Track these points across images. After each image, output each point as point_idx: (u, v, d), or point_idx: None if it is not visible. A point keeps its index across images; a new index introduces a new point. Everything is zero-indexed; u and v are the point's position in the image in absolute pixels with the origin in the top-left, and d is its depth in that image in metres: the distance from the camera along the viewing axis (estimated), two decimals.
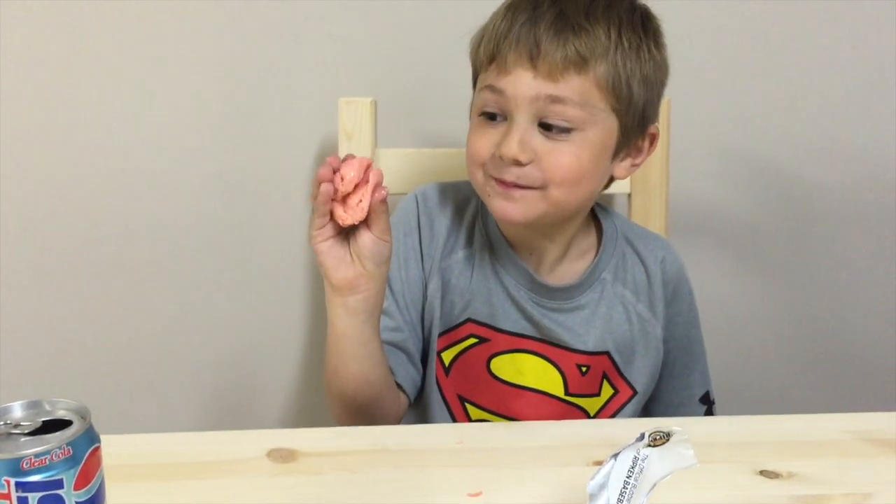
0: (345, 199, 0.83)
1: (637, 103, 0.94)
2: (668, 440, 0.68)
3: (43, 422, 0.58)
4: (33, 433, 0.57)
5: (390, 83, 1.28)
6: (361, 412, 0.94)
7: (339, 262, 0.86)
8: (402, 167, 1.19)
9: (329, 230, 0.85)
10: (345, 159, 0.84)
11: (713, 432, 0.85)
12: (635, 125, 0.95)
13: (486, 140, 0.93)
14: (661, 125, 1.17)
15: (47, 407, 0.60)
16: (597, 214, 1.05)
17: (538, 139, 0.91)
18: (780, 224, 1.38)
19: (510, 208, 0.93)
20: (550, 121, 0.91)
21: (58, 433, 0.57)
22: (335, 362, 0.93)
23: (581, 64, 0.90)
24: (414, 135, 1.29)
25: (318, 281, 1.34)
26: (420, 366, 1.03)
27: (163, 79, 1.27)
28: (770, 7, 1.30)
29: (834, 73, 1.33)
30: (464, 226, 1.04)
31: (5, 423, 0.58)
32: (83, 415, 0.59)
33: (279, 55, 1.27)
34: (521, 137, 0.90)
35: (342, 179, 0.83)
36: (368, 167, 0.84)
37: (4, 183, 1.27)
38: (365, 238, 0.85)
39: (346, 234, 0.86)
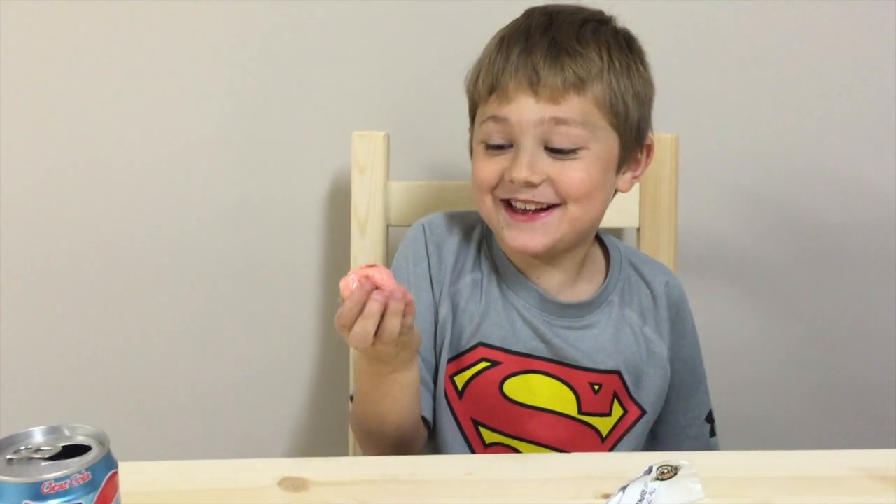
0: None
1: (632, 118, 0.98)
2: (675, 474, 0.69)
3: (63, 447, 0.60)
4: (53, 458, 0.59)
5: (402, 117, 1.30)
6: (398, 448, 0.97)
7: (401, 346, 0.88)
8: (412, 199, 1.21)
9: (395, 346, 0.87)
10: (353, 286, 0.85)
11: (719, 466, 0.85)
12: (633, 139, 0.99)
13: (494, 166, 0.96)
14: (671, 160, 1.19)
15: (67, 432, 0.61)
16: (603, 241, 1.07)
17: (546, 160, 0.94)
18: (788, 259, 1.38)
19: (529, 239, 0.96)
20: (557, 144, 0.94)
21: (77, 458, 0.58)
22: (394, 415, 0.95)
23: (579, 85, 0.94)
24: (424, 168, 1.31)
25: (329, 309, 1.36)
26: (433, 388, 1.04)
27: (176, 109, 1.29)
28: (781, 43, 1.31)
29: (845, 110, 1.34)
30: (471, 251, 1.05)
31: (26, 448, 0.59)
32: (102, 440, 0.60)
33: (295, 88, 1.29)
34: (530, 160, 0.93)
35: (382, 289, 0.85)
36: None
37: (19, 209, 1.30)
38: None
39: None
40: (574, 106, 0.94)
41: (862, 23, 1.31)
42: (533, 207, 0.96)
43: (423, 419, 1.01)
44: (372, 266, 0.87)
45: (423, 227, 1.06)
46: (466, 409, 1.03)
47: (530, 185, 0.93)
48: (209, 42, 1.27)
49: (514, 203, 0.96)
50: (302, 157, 1.31)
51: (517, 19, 1.00)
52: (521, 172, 0.93)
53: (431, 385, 1.03)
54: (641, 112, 0.99)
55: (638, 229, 1.21)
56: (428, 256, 1.04)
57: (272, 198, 1.32)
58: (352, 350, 1.20)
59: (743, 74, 1.32)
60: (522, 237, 0.96)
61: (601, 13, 1.01)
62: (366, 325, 0.84)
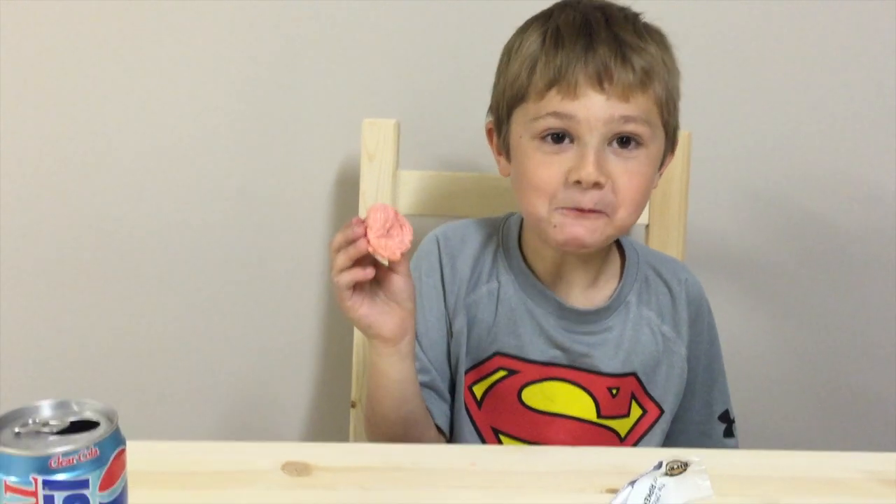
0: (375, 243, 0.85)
1: (676, 117, 0.98)
2: (685, 470, 0.69)
3: (71, 422, 0.59)
4: (61, 432, 0.58)
5: (413, 106, 1.29)
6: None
7: (383, 314, 0.88)
8: (422, 189, 1.20)
9: (360, 294, 0.87)
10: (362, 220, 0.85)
11: (727, 464, 0.84)
12: (672, 137, 0.99)
13: (555, 168, 0.92)
14: (682, 158, 1.18)
15: (75, 407, 0.60)
16: (619, 241, 1.06)
17: (611, 160, 0.92)
18: (796, 261, 1.38)
19: (582, 232, 0.93)
20: (623, 143, 0.92)
21: (86, 433, 0.58)
22: (387, 409, 0.94)
23: (646, 82, 0.92)
24: (435, 158, 1.30)
25: (333, 295, 1.35)
26: (449, 398, 1.04)
27: (187, 97, 1.28)
28: (794, 43, 1.31)
29: (861, 114, 1.33)
30: (486, 261, 1.04)
31: (34, 422, 0.59)
32: (110, 417, 0.60)
33: (305, 75, 1.29)
34: (597, 159, 0.91)
35: (369, 228, 0.84)
36: (389, 209, 0.85)
37: (34, 197, 1.30)
38: (397, 280, 0.87)
39: (371, 290, 0.87)
40: (640, 104, 0.92)
41: (878, 25, 1.30)
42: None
43: (440, 430, 1.01)
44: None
45: (437, 239, 1.05)
46: (486, 419, 1.02)
47: (598, 185, 0.91)
48: (219, 29, 1.27)
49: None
50: (312, 143, 1.31)
51: (551, 12, 0.97)
52: (591, 174, 0.90)
53: (447, 395, 1.03)
54: (678, 109, 0.99)
55: (647, 226, 1.21)
56: (441, 268, 1.03)
57: (281, 184, 1.32)
58: (356, 340, 1.20)
59: (757, 73, 1.32)
60: (576, 229, 0.93)
61: (629, 7, 0.99)
62: (336, 236, 0.85)
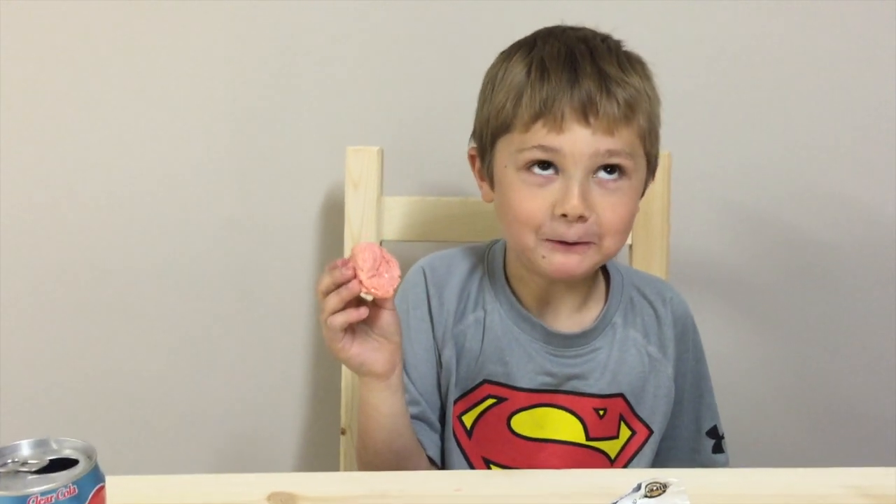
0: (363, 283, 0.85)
1: (657, 145, 0.99)
2: (664, 491, 0.69)
3: (50, 460, 0.60)
4: (40, 471, 0.59)
5: (397, 133, 1.30)
6: None
7: (373, 351, 0.89)
8: (407, 215, 1.21)
9: (350, 333, 0.88)
10: (343, 262, 0.85)
11: (711, 484, 0.85)
12: (654, 164, 1.00)
13: (540, 201, 0.93)
14: (663, 178, 1.19)
15: (54, 446, 0.61)
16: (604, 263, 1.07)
17: (595, 192, 0.93)
18: (780, 278, 1.39)
19: (570, 262, 0.93)
20: (607, 175, 0.93)
21: (64, 472, 0.58)
22: (379, 444, 0.95)
23: (630, 116, 0.93)
24: (419, 183, 1.31)
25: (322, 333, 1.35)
26: (440, 428, 1.04)
27: (171, 125, 1.29)
28: (771, 62, 1.32)
29: (836, 129, 1.34)
30: (473, 289, 1.04)
31: (13, 461, 0.59)
32: (89, 454, 0.60)
33: (289, 103, 1.30)
34: (582, 192, 0.91)
35: (359, 269, 0.84)
36: (375, 247, 0.86)
37: (14, 222, 1.30)
38: (385, 315, 0.88)
39: (358, 328, 0.88)
40: (624, 137, 0.92)
41: (857, 43, 1.32)
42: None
43: (432, 461, 1.01)
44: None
45: (423, 270, 1.05)
46: (476, 449, 1.02)
47: (582, 218, 0.91)
48: (205, 57, 1.28)
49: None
50: (296, 171, 1.32)
51: (534, 41, 0.97)
52: (576, 207, 0.90)
53: (437, 425, 1.03)
54: (659, 138, 0.99)
55: (630, 246, 1.21)
56: (429, 299, 1.03)
57: (266, 212, 1.32)
58: (344, 367, 1.20)
59: (735, 92, 1.33)
60: (564, 260, 0.93)
61: (610, 35, 0.99)
62: (323, 279, 0.85)
